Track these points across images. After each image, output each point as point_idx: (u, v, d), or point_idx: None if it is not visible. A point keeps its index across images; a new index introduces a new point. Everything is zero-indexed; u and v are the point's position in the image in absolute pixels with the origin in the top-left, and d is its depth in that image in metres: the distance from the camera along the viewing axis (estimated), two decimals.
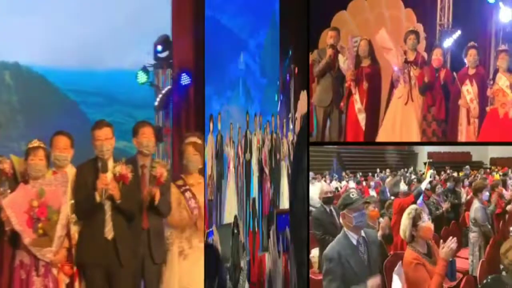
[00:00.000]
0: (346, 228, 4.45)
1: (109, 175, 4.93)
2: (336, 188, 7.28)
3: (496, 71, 6.26)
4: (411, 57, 6.47)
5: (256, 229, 7.59)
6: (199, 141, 5.53)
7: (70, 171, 5.11)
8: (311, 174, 6.01)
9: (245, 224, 8.43)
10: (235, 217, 7.22)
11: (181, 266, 5.34)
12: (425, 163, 7.60)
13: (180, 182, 5.44)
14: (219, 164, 8.46)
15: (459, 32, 6.74)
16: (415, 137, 6.45)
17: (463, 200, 7.04)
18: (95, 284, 4.98)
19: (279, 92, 9.46)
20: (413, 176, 7.30)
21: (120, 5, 9.32)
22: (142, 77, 8.24)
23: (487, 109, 6.28)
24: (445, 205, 6.83)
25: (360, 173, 7.95)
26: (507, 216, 6.38)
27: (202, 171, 5.62)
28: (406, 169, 7.87)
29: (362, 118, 6.61)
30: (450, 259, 4.49)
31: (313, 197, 5.86)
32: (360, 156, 8.29)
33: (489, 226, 6.13)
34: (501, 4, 6.59)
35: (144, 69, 8.28)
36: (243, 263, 6.87)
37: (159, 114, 8.47)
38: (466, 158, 8.11)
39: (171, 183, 5.35)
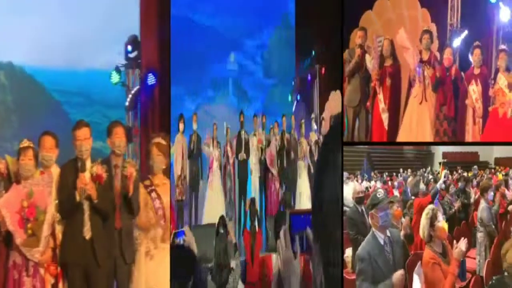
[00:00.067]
0: (374, 228, 4.48)
1: (87, 175, 4.91)
2: (367, 188, 7.25)
3: (497, 71, 6.27)
4: (425, 56, 6.47)
5: (257, 229, 7.53)
6: (163, 142, 5.51)
7: (55, 171, 5.09)
8: (345, 174, 5.97)
9: (238, 224, 8.43)
10: (221, 217, 7.16)
11: (148, 266, 5.32)
12: (440, 163, 7.62)
13: (147, 182, 5.42)
14: (194, 164, 8.40)
15: (466, 32, 6.75)
16: (429, 137, 6.45)
17: (472, 200, 7.04)
18: (75, 285, 4.94)
19: (293, 93, 9.38)
20: (430, 176, 7.31)
21: (97, 4, 9.19)
22: (115, 77, 8.24)
23: (489, 109, 6.28)
24: (457, 204, 6.83)
25: (386, 173, 7.94)
26: (508, 216, 6.35)
27: (167, 172, 5.58)
28: (424, 169, 7.85)
29: (385, 117, 6.59)
30: (461, 259, 4.49)
31: (347, 197, 5.85)
32: (386, 156, 8.28)
33: (493, 226, 6.13)
34: (501, 4, 6.61)
35: (117, 69, 8.26)
36: (234, 263, 6.83)
37: (129, 114, 8.46)
38: (474, 158, 8.10)
39: (139, 183, 5.31)
